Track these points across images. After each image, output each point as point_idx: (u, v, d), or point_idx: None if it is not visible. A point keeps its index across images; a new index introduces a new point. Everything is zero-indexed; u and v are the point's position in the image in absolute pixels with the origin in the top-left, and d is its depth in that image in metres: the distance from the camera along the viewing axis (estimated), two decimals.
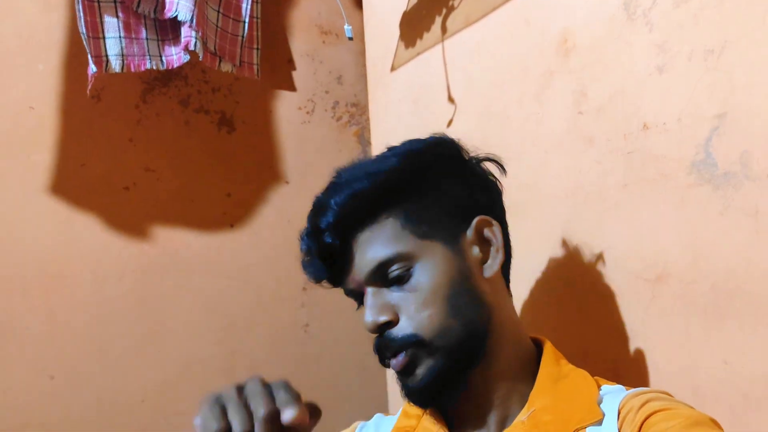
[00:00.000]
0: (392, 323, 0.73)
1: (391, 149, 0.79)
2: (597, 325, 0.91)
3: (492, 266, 0.77)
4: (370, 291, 0.74)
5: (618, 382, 0.75)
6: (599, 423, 0.69)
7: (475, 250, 0.77)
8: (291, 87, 1.59)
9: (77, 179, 1.34)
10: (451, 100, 1.12)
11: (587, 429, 0.69)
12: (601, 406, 0.71)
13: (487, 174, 0.82)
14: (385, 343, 0.73)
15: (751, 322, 0.72)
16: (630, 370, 0.86)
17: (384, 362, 0.76)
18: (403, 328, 0.72)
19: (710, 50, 0.75)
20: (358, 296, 0.77)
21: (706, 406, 0.76)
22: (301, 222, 1.53)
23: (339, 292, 1.59)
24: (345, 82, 1.65)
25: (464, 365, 0.73)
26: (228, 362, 1.46)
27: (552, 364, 0.77)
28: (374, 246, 0.74)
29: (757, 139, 0.71)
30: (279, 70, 1.57)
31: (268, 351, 1.50)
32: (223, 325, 1.46)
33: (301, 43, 1.60)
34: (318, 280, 0.79)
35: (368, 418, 0.90)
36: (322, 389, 1.56)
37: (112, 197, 1.38)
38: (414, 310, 0.72)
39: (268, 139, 1.56)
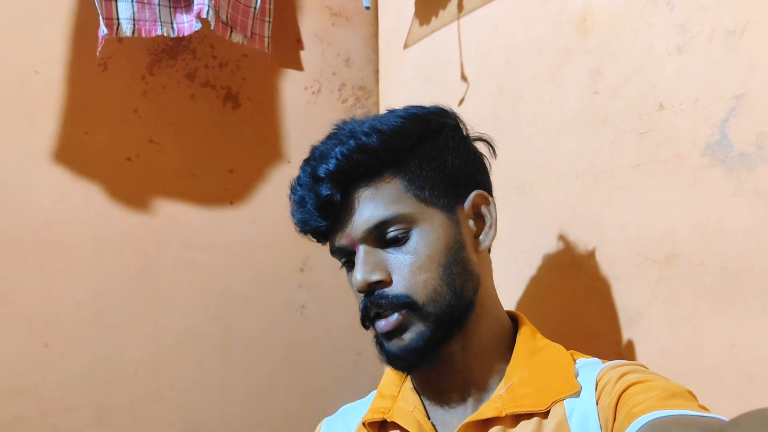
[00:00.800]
0: (383, 283, 0.72)
1: (394, 110, 0.78)
2: (603, 305, 0.90)
3: (484, 241, 0.78)
4: (363, 248, 0.73)
5: None
6: (577, 395, 0.70)
7: (470, 223, 0.77)
8: (298, 67, 1.58)
9: (80, 147, 1.33)
10: (464, 78, 1.11)
11: (565, 401, 0.70)
12: (578, 378, 0.72)
13: (479, 152, 0.82)
14: (376, 302, 0.72)
15: (759, 304, 0.72)
16: (635, 351, 0.85)
17: (367, 323, 0.75)
18: (396, 288, 0.72)
19: (731, 31, 0.75)
20: (347, 254, 0.76)
21: (710, 389, 0.76)
22: None
23: (337, 274, 1.59)
24: (353, 65, 1.65)
25: (447, 334, 0.73)
26: (222, 339, 1.45)
27: (528, 338, 0.77)
28: (375, 204, 0.73)
29: None
30: (287, 49, 1.57)
31: (263, 330, 1.50)
32: (219, 302, 1.45)
33: (310, 23, 1.60)
34: (308, 230, 0.77)
35: None
36: (316, 372, 1.55)
37: (114, 167, 1.37)
38: (409, 272, 0.72)
39: (273, 117, 1.55)
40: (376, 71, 1.66)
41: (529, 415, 0.70)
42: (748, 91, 0.73)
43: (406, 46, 1.29)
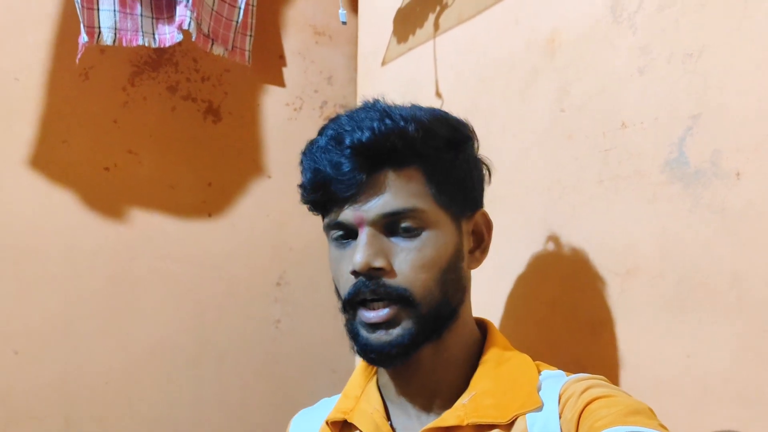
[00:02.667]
0: (383, 271, 0.71)
1: (419, 106, 0.76)
2: (567, 317, 0.92)
3: (477, 260, 0.79)
4: (369, 231, 0.71)
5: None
6: (539, 409, 0.70)
7: (468, 239, 0.78)
8: (280, 83, 1.60)
9: (58, 155, 1.34)
10: (438, 95, 1.14)
11: (527, 416, 0.69)
12: (540, 392, 0.72)
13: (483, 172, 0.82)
14: (374, 289, 0.70)
15: (713, 316, 0.74)
16: (596, 363, 0.87)
17: (350, 308, 0.73)
18: (397, 280, 0.71)
19: (689, 54, 0.78)
20: (347, 231, 0.73)
21: (667, 400, 0.78)
22: (280, 216, 1.55)
23: (314, 290, 1.60)
24: (335, 83, 1.67)
25: (428, 337, 0.73)
26: (195, 351, 1.45)
27: (495, 348, 0.77)
28: (397, 192, 0.71)
29: (727, 138, 0.74)
30: (270, 65, 1.59)
31: (237, 344, 1.50)
32: (192, 314, 1.45)
33: (294, 41, 1.62)
34: (318, 195, 0.73)
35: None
36: (290, 387, 1.55)
37: (91, 176, 1.37)
38: (410, 268, 0.71)
39: (254, 132, 1.57)
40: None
41: (489, 427, 0.70)
42: (703, 111, 0.76)
43: (383, 63, 1.31)
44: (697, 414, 0.75)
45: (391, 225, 0.72)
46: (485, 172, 0.82)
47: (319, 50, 1.66)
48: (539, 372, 0.76)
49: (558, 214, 0.94)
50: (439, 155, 0.74)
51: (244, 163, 1.55)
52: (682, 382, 0.77)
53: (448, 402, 0.75)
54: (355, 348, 0.74)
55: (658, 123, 0.81)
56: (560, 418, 0.68)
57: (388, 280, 0.71)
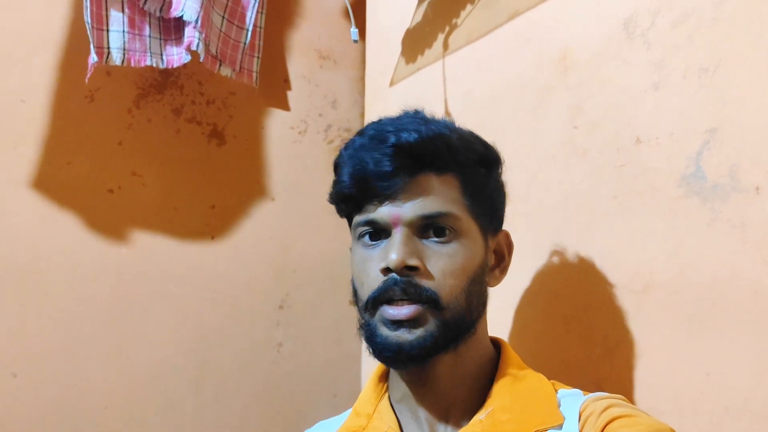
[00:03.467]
0: (416, 271, 0.71)
1: (452, 124, 0.79)
2: (581, 335, 0.91)
3: (497, 278, 0.81)
4: (404, 230, 0.71)
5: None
6: (560, 427, 0.69)
7: (491, 256, 0.79)
8: (285, 106, 1.61)
9: (62, 176, 1.33)
10: (447, 113, 1.14)
11: None
12: (560, 409, 0.71)
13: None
14: (403, 287, 0.70)
15: (733, 333, 0.73)
16: (613, 382, 0.85)
17: (372, 306, 0.72)
18: (427, 282, 0.71)
19: (705, 68, 0.78)
20: (378, 228, 0.74)
21: (686, 419, 0.77)
22: (283, 239, 1.54)
23: (316, 314, 1.58)
24: (339, 107, 1.68)
25: (448, 344, 0.72)
26: (196, 375, 1.43)
27: (511, 366, 0.77)
28: (436, 195, 0.72)
29: (746, 152, 0.73)
30: (275, 88, 1.59)
31: (238, 367, 1.48)
32: (194, 337, 1.43)
33: (298, 65, 1.63)
34: (356, 190, 0.73)
35: None
36: (291, 412, 1.53)
37: (95, 198, 1.37)
38: (441, 273, 0.71)
39: (258, 155, 1.56)
40: (363, 114, 1.69)
41: None
42: (720, 125, 0.76)
43: (392, 84, 1.32)
44: None
45: (425, 228, 0.72)
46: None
47: (323, 74, 1.67)
48: (555, 391, 0.75)
49: (572, 232, 0.93)
50: (475, 168, 0.76)
51: (248, 185, 1.55)
52: (702, 401, 0.76)
53: (463, 419, 0.74)
54: (371, 348, 0.73)
55: (673, 138, 0.80)
56: None
57: (419, 281, 0.71)
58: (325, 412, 1.54)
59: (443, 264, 0.71)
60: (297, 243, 1.57)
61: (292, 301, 1.56)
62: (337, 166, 0.78)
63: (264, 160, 1.57)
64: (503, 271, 0.81)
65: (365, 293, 0.74)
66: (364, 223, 0.74)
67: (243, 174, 1.54)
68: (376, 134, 0.73)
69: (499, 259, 0.81)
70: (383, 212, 0.72)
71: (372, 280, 0.73)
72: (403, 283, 0.70)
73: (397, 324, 0.70)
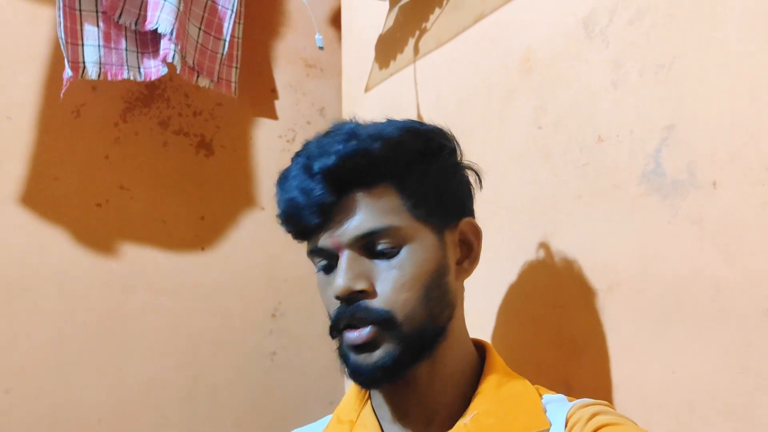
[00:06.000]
0: (366, 293, 0.70)
1: (393, 121, 0.76)
2: (550, 336, 0.90)
3: (467, 270, 0.77)
4: (348, 254, 0.70)
5: (569, 394, 0.75)
6: None
7: (455, 251, 0.76)
8: (273, 115, 1.61)
9: (49, 192, 1.35)
10: (420, 118, 1.14)
11: None
12: (546, 415, 0.71)
13: (469, 179, 0.81)
14: (353, 313, 0.69)
15: (696, 329, 0.73)
16: (581, 381, 0.85)
17: (337, 333, 0.72)
18: (378, 302, 0.69)
19: (661, 65, 0.77)
20: (327, 256, 0.73)
21: (652, 416, 0.76)
22: (274, 248, 1.54)
23: (310, 320, 1.58)
24: (327, 114, 1.68)
25: (416, 356, 0.71)
26: (189, 387, 1.43)
27: (495, 369, 0.76)
28: (369, 212, 0.70)
29: (702, 148, 0.73)
30: (262, 98, 1.60)
31: (232, 378, 1.48)
32: (186, 348, 1.44)
33: (285, 74, 1.64)
34: (292, 226, 0.73)
35: None
36: (286, 422, 1.52)
37: (83, 212, 1.38)
38: (391, 288, 0.70)
39: (247, 164, 1.57)
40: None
41: None
42: (677, 121, 0.75)
43: (366, 90, 1.32)
44: (683, 431, 0.73)
45: (369, 246, 0.71)
46: (474, 178, 0.81)
47: (310, 82, 1.67)
48: (540, 396, 0.74)
49: (539, 233, 0.93)
50: (410, 168, 0.72)
51: (237, 195, 1.55)
52: (668, 398, 0.75)
53: (447, 423, 0.73)
54: (346, 371, 0.73)
55: (633, 135, 0.80)
56: None
57: (369, 303, 0.69)
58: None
59: (393, 278, 0.70)
60: (288, 252, 1.57)
61: (284, 310, 1.57)
62: (276, 200, 0.77)
63: (253, 170, 1.58)
64: (474, 261, 0.78)
65: (329, 319, 0.74)
66: (313, 252, 0.74)
67: (232, 184, 1.55)
68: (304, 162, 0.71)
69: (466, 249, 0.78)
70: (324, 240, 0.71)
71: (330, 308, 0.73)
72: (353, 309, 0.69)
73: (358, 348, 0.70)
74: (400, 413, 0.75)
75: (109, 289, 1.38)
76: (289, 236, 0.77)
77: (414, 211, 0.72)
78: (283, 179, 0.74)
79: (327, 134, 0.74)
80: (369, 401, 0.80)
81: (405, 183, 0.72)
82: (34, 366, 1.29)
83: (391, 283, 0.70)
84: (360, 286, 0.69)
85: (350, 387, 0.84)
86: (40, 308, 1.31)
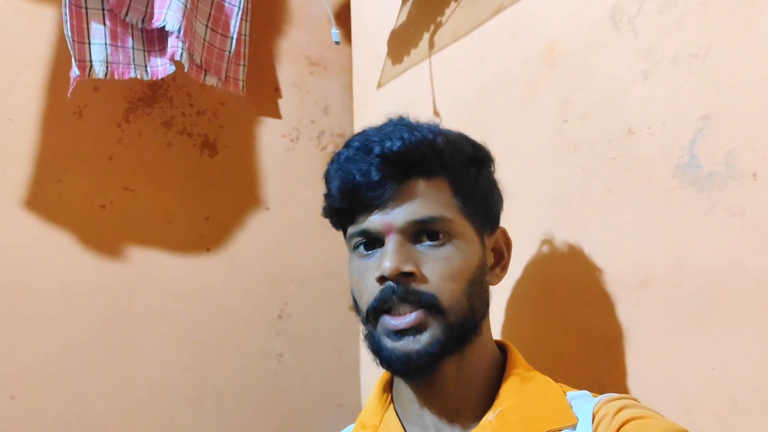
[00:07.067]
0: (413, 277, 0.69)
1: (438, 126, 0.78)
2: (580, 334, 0.89)
3: (498, 277, 0.79)
4: (397, 238, 0.70)
5: (602, 393, 0.73)
6: (573, 428, 0.68)
7: (490, 255, 0.78)
8: (276, 114, 1.59)
9: (53, 195, 1.32)
10: (436, 113, 1.12)
11: None
12: (572, 410, 0.70)
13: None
14: (401, 294, 0.69)
15: (736, 324, 0.71)
16: (613, 379, 0.83)
17: (374, 318, 0.71)
18: (426, 286, 0.69)
19: (695, 54, 0.76)
20: (372, 240, 0.73)
21: (692, 414, 0.74)
22: (279, 248, 1.52)
23: (316, 321, 1.56)
24: (331, 113, 1.66)
25: (453, 348, 0.71)
26: (196, 390, 1.41)
27: (517, 366, 0.77)
28: (426, 199, 0.71)
29: (741, 138, 0.71)
30: (265, 97, 1.58)
31: (239, 381, 1.46)
32: (192, 352, 1.42)
33: (288, 72, 1.61)
34: (346, 202, 0.73)
35: None
36: (294, 424, 1.50)
37: (87, 215, 1.35)
38: (439, 276, 0.70)
39: (251, 164, 1.55)
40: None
41: None
42: (714, 111, 0.74)
43: (379, 86, 1.30)
44: (725, 429, 0.71)
45: (418, 233, 0.71)
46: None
47: (314, 81, 1.65)
48: (564, 393, 0.74)
49: (565, 228, 0.91)
50: (464, 169, 0.75)
51: (242, 196, 1.53)
52: (708, 396, 0.73)
53: (471, 421, 0.73)
54: (378, 360, 0.72)
55: (666, 127, 0.78)
56: None
57: (417, 286, 0.69)
58: (330, 423, 1.53)
59: (440, 268, 0.70)
60: (293, 252, 1.55)
61: (290, 311, 1.54)
62: (326, 180, 0.78)
63: (257, 170, 1.55)
64: (504, 268, 0.80)
65: (364, 304, 0.73)
66: (357, 234, 0.74)
67: (236, 184, 1.52)
68: (361, 145, 0.72)
69: (498, 257, 0.80)
70: (375, 221, 0.71)
71: (370, 291, 0.72)
72: (401, 291, 0.69)
73: (400, 334, 0.69)
74: (423, 412, 0.75)
75: (114, 292, 1.35)
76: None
77: (464, 209, 0.74)
78: (339, 159, 0.74)
79: (385, 125, 0.76)
80: (391, 404, 0.80)
81: (458, 181, 0.74)
82: (39, 371, 1.26)
83: (438, 272, 0.70)
84: (408, 268, 0.69)
85: (372, 393, 0.82)
86: (45, 312, 1.28)
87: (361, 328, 0.76)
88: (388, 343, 0.70)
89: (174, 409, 1.37)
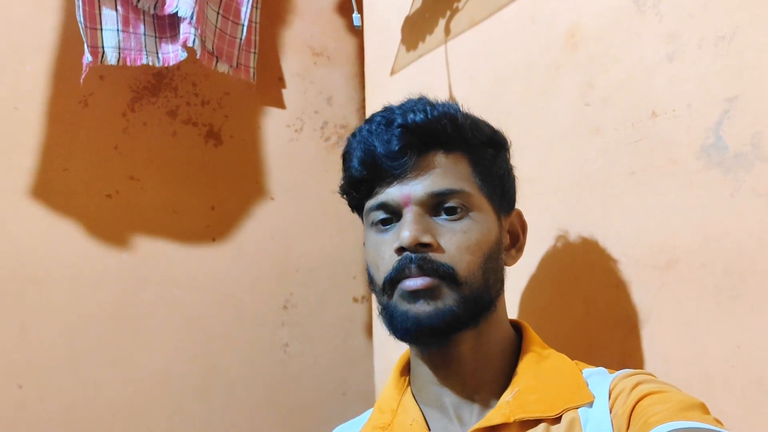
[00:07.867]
0: (430, 248, 0.70)
1: (461, 108, 0.78)
2: (603, 315, 0.89)
3: (513, 258, 0.80)
4: (415, 209, 0.71)
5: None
6: (590, 405, 0.68)
7: (506, 236, 0.79)
8: (280, 105, 1.59)
9: (59, 184, 1.31)
10: (452, 99, 1.12)
11: (579, 411, 0.68)
12: (588, 388, 0.71)
13: None
14: (419, 263, 0.69)
15: (764, 304, 0.72)
16: (637, 360, 0.84)
17: (390, 287, 0.71)
18: (443, 257, 0.70)
19: (721, 36, 0.76)
20: (390, 212, 0.73)
21: (717, 394, 0.75)
22: (285, 238, 1.52)
23: (322, 312, 1.56)
24: (335, 103, 1.66)
25: (468, 320, 0.71)
26: (203, 380, 1.40)
27: (534, 346, 0.77)
28: (445, 172, 0.72)
29: None
30: (269, 87, 1.57)
31: (245, 370, 1.46)
32: (199, 341, 1.41)
33: (292, 62, 1.61)
34: (367, 172, 0.73)
35: None
36: (300, 413, 1.51)
37: (93, 204, 1.34)
38: (456, 248, 0.70)
39: (255, 154, 1.54)
40: (358, 109, 1.68)
41: (536, 422, 0.68)
42: (741, 93, 0.74)
43: (393, 73, 1.30)
44: (751, 408, 0.72)
45: (436, 206, 0.72)
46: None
47: (318, 71, 1.65)
48: (580, 370, 0.74)
49: (588, 210, 0.91)
50: (483, 149, 0.76)
51: (247, 185, 1.52)
52: (734, 374, 0.74)
53: (489, 400, 0.73)
54: (391, 329, 0.73)
55: (691, 109, 0.79)
56: (611, 413, 0.67)
57: (434, 256, 0.70)
58: (336, 412, 1.53)
59: (458, 240, 0.70)
60: (299, 241, 1.55)
61: (296, 301, 1.54)
62: (345, 155, 0.78)
63: (262, 159, 1.55)
64: (519, 250, 0.81)
65: (381, 276, 0.73)
66: (375, 207, 0.74)
67: (241, 174, 1.52)
68: (383, 119, 0.73)
69: (514, 239, 0.80)
70: (393, 192, 0.72)
71: (387, 262, 0.72)
72: (418, 260, 0.69)
73: (414, 295, 0.69)
74: (441, 392, 0.75)
75: (121, 281, 1.35)
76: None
77: (482, 186, 0.74)
78: (361, 132, 0.75)
79: (406, 102, 0.76)
80: (408, 388, 0.80)
81: (477, 158, 0.75)
82: (46, 360, 1.26)
83: (455, 244, 0.70)
84: (426, 239, 0.69)
85: (389, 378, 0.82)
86: (51, 302, 1.27)
87: (376, 306, 0.76)
88: (403, 305, 0.70)
89: (181, 398, 1.37)
